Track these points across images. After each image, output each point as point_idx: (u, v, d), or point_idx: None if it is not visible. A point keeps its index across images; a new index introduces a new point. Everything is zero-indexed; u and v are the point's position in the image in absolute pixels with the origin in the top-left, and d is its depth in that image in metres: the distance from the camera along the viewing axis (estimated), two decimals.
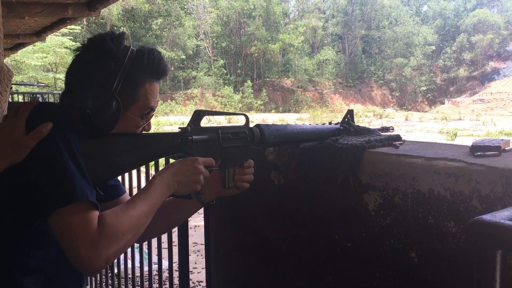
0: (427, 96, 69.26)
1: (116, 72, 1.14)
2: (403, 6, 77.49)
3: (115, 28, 48.45)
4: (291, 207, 1.69)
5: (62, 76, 30.12)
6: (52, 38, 27.74)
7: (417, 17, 76.34)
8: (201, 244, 5.79)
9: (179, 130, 1.29)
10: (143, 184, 2.65)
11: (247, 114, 1.53)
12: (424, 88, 68.70)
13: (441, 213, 1.21)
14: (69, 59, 30.48)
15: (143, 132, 1.29)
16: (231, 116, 29.92)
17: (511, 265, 1.07)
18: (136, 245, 3.44)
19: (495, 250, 0.89)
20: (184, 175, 1.22)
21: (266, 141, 1.41)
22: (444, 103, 64.19)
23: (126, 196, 1.45)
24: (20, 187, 1.05)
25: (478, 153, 1.24)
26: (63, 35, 29.91)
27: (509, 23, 70.25)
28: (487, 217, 0.91)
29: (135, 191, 2.90)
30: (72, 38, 31.61)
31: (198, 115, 1.30)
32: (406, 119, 44.27)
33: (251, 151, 1.41)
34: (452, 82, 69.89)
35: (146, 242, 2.73)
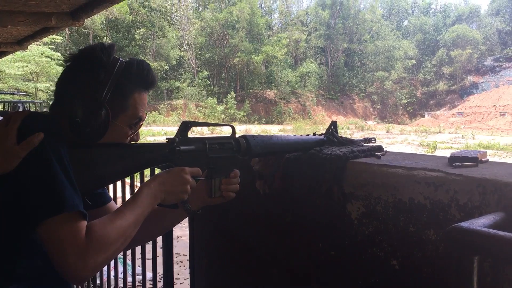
0: (407, 109, 70.40)
1: (106, 81, 1.16)
2: (384, 20, 78.88)
3: (98, 38, 48.19)
4: (276, 216, 1.72)
5: (42, 85, 29.75)
6: (33, 48, 27.43)
7: (398, 32, 77.76)
8: (183, 255, 5.76)
9: (167, 140, 1.31)
10: (127, 195, 2.65)
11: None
12: (405, 101, 69.86)
13: (421, 221, 1.25)
14: (50, 68, 30.13)
15: (132, 142, 1.31)
16: (214, 127, 29.72)
17: (488, 272, 1.11)
18: (120, 256, 3.42)
19: (472, 256, 0.93)
20: (171, 185, 1.24)
21: (252, 151, 1.44)
22: (424, 116, 65.36)
23: (112, 204, 1.46)
24: (10, 196, 1.05)
25: (457, 164, 1.29)
26: (44, 44, 29.60)
27: (487, 39, 72.04)
28: (465, 224, 0.95)
29: (119, 201, 2.90)
30: (54, 47, 31.30)
31: (185, 126, 1.33)
32: (387, 132, 44.85)
33: (237, 161, 1.43)
34: (432, 96, 71.19)
35: (129, 254, 2.72)
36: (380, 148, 1.58)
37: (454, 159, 1.31)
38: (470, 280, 0.94)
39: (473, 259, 0.93)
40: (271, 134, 1.56)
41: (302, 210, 1.61)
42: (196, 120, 1.38)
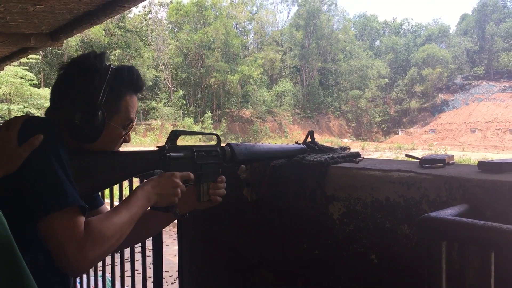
0: (381, 126, 71.69)
1: (101, 85, 1.26)
2: (357, 40, 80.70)
3: None
4: (263, 221, 1.83)
5: (16, 107, 29.25)
6: (7, 68, 27.05)
7: (371, 51, 79.61)
8: (165, 271, 5.78)
9: (157, 148, 1.42)
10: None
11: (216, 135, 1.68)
12: (379, 119, 71.16)
13: (396, 217, 1.38)
14: (23, 90, 29.71)
15: (123, 143, 1.42)
16: (185, 138, 29.43)
17: (456, 259, 1.24)
18: (99, 273, 3.44)
19: (441, 241, 1.06)
20: (163, 188, 1.34)
21: (237, 158, 1.56)
22: (398, 133, 66.79)
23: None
24: (14, 194, 1.13)
25: (426, 165, 1.43)
26: (19, 65, 29.22)
27: (457, 58, 74.30)
28: (434, 214, 1.09)
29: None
30: (28, 68, 30.93)
31: (174, 135, 1.44)
32: (363, 149, 45.60)
33: (224, 168, 1.54)
34: (405, 113, 72.69)
35: (119, 270, 2.77)
36: (358, 154, 1.71)
37: (424, 161, 1.46)
38: (440, 263, 1.07)
39: (441, 244, 1.06)
40: (254, 143, 1.68)
41: (288, 214, 1.72)
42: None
